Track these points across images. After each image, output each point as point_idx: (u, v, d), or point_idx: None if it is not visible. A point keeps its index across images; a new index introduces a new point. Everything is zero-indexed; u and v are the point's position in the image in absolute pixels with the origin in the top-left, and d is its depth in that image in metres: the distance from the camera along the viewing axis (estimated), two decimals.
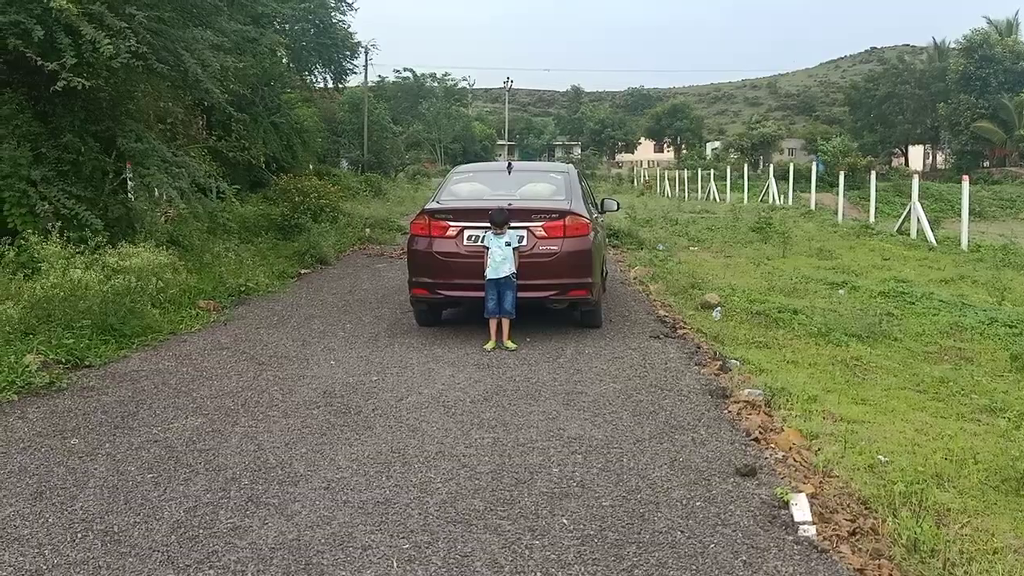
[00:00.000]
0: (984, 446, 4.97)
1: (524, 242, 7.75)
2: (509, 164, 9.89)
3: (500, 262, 7.50)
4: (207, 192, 13.37)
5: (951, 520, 3.83)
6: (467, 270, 7.77)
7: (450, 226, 7.94)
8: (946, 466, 4.59)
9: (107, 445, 4.89)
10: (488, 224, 7.64)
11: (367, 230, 18.31)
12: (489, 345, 7.51)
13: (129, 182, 11.40)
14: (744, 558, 3.48)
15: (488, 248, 7.58)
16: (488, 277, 7.52)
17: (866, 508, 4.00)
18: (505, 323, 7.61)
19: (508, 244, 7.55)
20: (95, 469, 4.49)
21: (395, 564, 3.43)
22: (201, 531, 3.73)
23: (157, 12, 9.88)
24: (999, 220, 26.11)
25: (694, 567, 3.40)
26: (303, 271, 12.82)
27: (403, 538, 3.67)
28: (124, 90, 10.52)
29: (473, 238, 7.83)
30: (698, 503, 4.05)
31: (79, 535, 3.69)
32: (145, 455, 4.71)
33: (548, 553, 3.53)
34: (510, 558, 3.48)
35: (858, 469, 4.49)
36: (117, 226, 10.10)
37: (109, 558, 3.47)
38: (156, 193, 11.44)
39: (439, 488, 4.24)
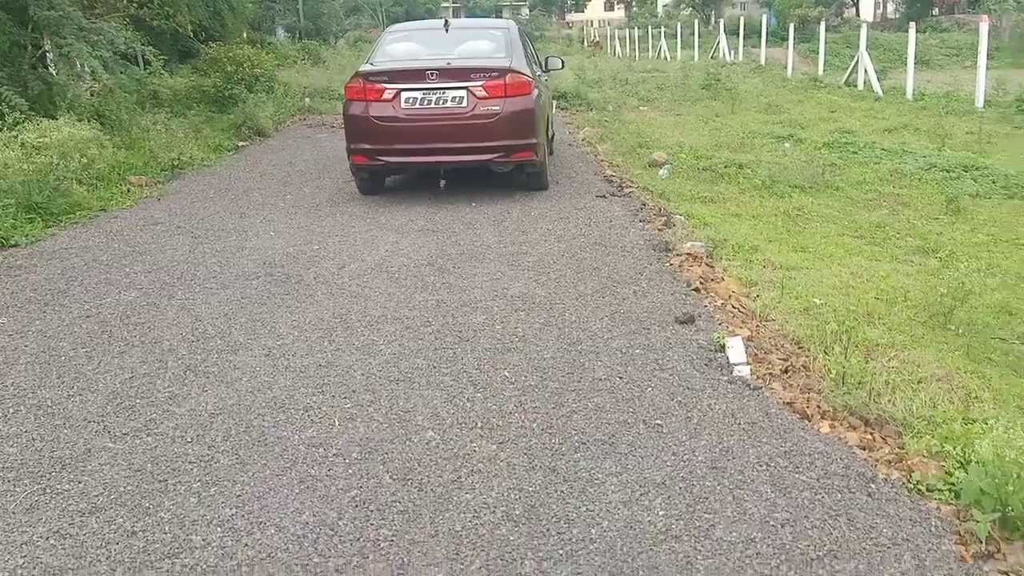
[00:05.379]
0: (915, 285, 5.11)
1: (464, 103, 7.50)
2: (446, 21, 9.44)
3: None
4: (132, 62, 12.63)
5: (879, 354, 3.95)
6: (407, 135, 7.55)
7: (386, 88, 7.63)
8: (877, 305, 4.72)
9: (37, 323, 4.76)
10: (426, 86, 7.24)
11: (307, 100, 17.64)
12: None
13: (48, 56, 10.71)
14: (680, 399, 3.56)
15: None
16: None
17: (799, 348, 4.10)
18: None
19: None
20: (25, 346, 4.39)
21: (337, 422, 3.45)
22: (138, 401, 3.69)
23: None
24: (945, 69, 25.94)
25: (631, 410, 3.47)
26: (240, 144, 12.36)
27: (345, 398, 3.68)
28: None
29: (411, 100, 7.56)
30: (637, 351, 4.11)
31: (11, 410, 3.62)
32: (77, 331, 4.61)
33: (489, 404, 3.58)
34: (451, 411, 3.51)
35: (794, 312, 4.58)
36: (38, 102, 9.54)
37: (43, 430, 3.42)
38: (78, 66, 10.78)
39: (382, 350, 4.23)
